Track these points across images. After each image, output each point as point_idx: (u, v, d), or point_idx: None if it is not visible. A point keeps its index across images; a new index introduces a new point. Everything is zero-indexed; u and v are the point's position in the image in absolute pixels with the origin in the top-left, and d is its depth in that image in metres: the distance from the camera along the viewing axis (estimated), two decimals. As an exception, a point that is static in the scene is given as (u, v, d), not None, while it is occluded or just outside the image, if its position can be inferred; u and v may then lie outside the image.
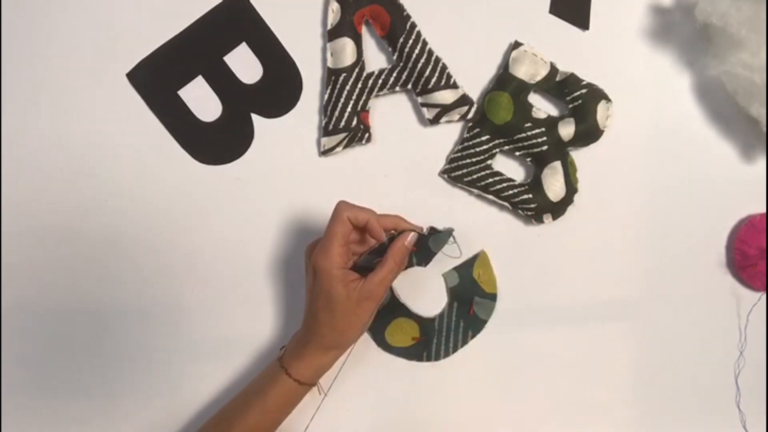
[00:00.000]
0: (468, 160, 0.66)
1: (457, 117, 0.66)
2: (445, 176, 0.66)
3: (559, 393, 0.66)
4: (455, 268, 0.67)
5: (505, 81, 0.65)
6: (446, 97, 0.65)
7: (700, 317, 0.66)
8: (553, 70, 0.65)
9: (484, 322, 0.67)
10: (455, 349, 0.67)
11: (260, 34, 0.67)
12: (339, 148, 0.66)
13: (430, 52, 0.65)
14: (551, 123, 0.65)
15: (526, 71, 0.65)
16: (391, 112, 0.67)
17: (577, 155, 0.66)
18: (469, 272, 0.67)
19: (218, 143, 0.67)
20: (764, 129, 0.63)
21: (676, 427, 0.66)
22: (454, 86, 0.66)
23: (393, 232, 0.60)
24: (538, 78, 0.65)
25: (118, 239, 0.67)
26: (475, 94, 0.66)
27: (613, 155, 0.66)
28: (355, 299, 0.58)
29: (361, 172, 0.67)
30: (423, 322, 0.67)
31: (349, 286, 0.58)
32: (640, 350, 0.67)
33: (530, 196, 0.65)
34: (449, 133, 0.67)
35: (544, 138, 0.64)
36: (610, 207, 0.67)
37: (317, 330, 0.59)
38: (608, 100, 0.65)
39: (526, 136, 0.64)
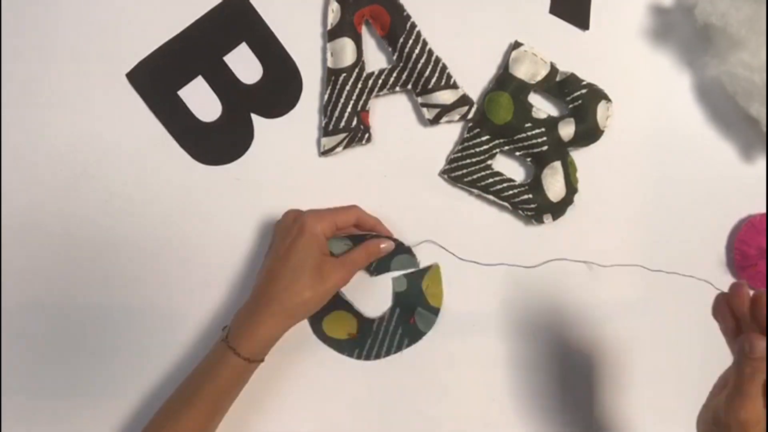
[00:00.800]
0: (468, 161, 0.66)
1: (457, 117, 0.66)
2: (445, 176, 0.67)
3: (558, 393, 0.66)
4: (405, 275, 0.67)
5: (505, 81, 0.65)
6: (446, 97, 0.65)
7: (700, 317, 0.66)
8: (553, 70, 0.66)
9: (423, 333, 0.67)
10: (387, 353, 0.67)
11: (260, 34, 0.67)
12: (339, 148, 0.66)
13: (430, 52, 0.65)
14: (551, 123, 0.65)
15: (526, 71, 0.65)
16: (391, 112, 0.67)
17: (577, 155, 0.66)
18: (418, 282, 0.66)
19: (218, 143, 0.67)
20: (764, 129, 0.63)
21: (676, 427, 0.66)
22: (454, 86, 0.66)
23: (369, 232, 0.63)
24: (538, 78, 0.65)
25: (118, 239, 0.67)
26: (475, 94, 0.66)
27: (613, 155, 0.66)
28: (325, 270, 0.59)
29: (361, 172, 0.67)
30: (362, 320, 0.66)
31: (324, 257, 0.60)
32: (640, 350, 0.67)
33: (530, 196, 0.65)
34: (449, 133, 0.67)
35: (544, 138, 0.64)
36: (610, 207, 0.67)
37: (275, 294, 0.59)
38: (608, 100, 0.65)
39: (526, 136, 0.64)
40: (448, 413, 0.67)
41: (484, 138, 0.65)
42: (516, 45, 0.65)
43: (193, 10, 0.67)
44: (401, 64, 0.66)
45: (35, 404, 0.67)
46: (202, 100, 0.67)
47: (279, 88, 0.67)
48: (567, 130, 0.64)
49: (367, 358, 0.67)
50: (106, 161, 0.67)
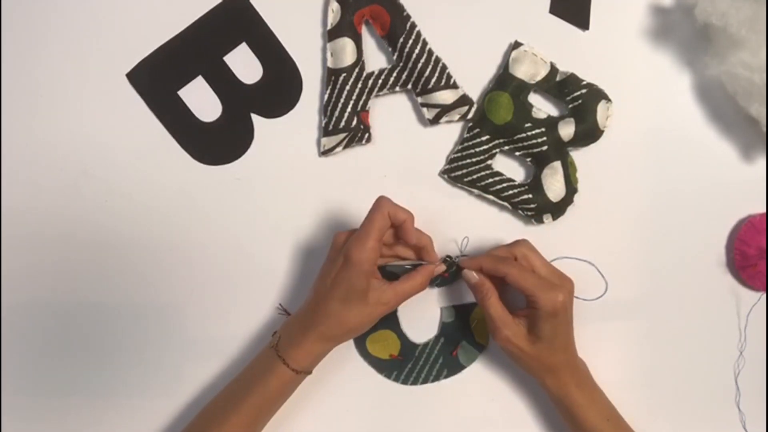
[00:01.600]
0: (468, 160, 0.66)
1: (457, 117, 0.66)
2: (445, 176, 0.66)
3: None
4: (455, 306, 0.67)
5: (505, 81, 0.65)
6: (446, 97, 0.65)
7: (700, 317, 0.66)
8: (553, 70, 0.65)
9: (463, 367, 0.67)
10: (425, 381, 0.67)
11: (260, 34, 0.67)
12: (339, 148, 0.66)
13: (430, 52, 0.65)
14: (551, 123, 0.65)
15: (526, 71, 0.65)
16: (391, 112, 0.67)
17: (577, 155, 0.66)
18: (466, 316, 0.67)
19: (218, 143, 0.67)
20: (764, 129, 0.63)
21: (676, 427, 0.66)
22: (454, 86, 0.66)
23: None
24: (538, 78, 0.65)
25: (118, 239, 0.67)
26: (475, 94, 0.66)
27: (613, 155, 0.66)
28: (373, 300, 0.59)
29: (361, 172, 0.67)
30: (406, 343, 0.67)
31: (372, 285, 0.59)
32: (640, 350, 0.67)
33: (530, 196, 0.65)
34: (449, 133, 0.67)
35: (544, 138, 0.64)
36: (610, 207, 0.67)
37: (323, 320, 0.59)
38: (608, 100, 0.65)
39: (526, 136, 0.64)
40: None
41: (484, 138, 0.65)
42: (516, 45, 0.65)
43: (193, 10, 0.67)
44: (401, 64, 0.66)
45: (35, 404, 0.67)
46: (202, 100, 0.67)
47: (279, 88, 0.67)
48: (567, 130, 0.64)
49: (404, 382, 0.67)
50: (106, 161, 0.67)
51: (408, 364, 0.67)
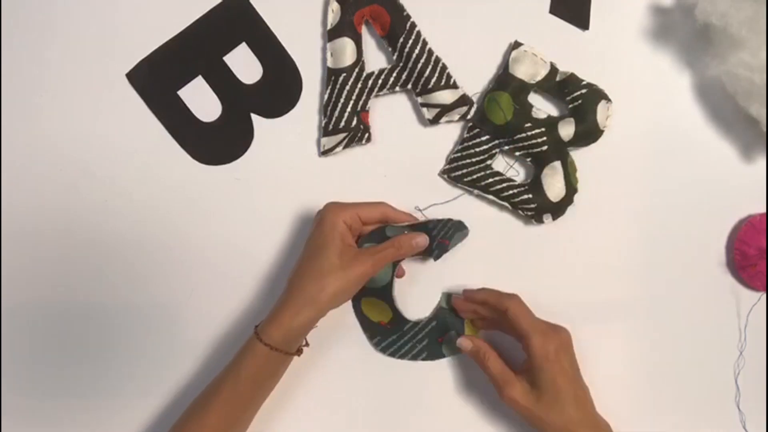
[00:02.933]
0: (468, 160, 0.66)
1: (457, 117, 0.66)
2: (445, 176, 0.66)
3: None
4: (455, 294, 0.66)
5: (505, 81, 0.65)
6: (446, 97, 0.65)
7: (700, 317, 0.66)
8: (553, 70, 0.65)
9: (443, 356, 0.66)
10: (402, 357, 0.66)
11: (260, 34, 0.67)
12: (339, 148, 0.66)
13: (430, 52, 0.65)
14: (551, 123, 0.65)
15: (526, 71, 0.65)
16: (391, 112, 0.67)
17: (577, 155, 0.66)
18: None
19: (218, 143, 0.67)
20: (764, 129, 0.63)
21: (676, 427, 0.66)
22: (454, 86, 0.66)
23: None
24: (538, 78, 0.65)
25: (118, 239, 0.67)
26: (475, 95, 0.66)
27: (613, 155, 0.66)
28: (346, 259, 0.59)
29: (361, 172, 0.67)
30: (397, 317, 0.66)
31: (345, 243, 0.60)
32: (640, 350, 0.67)
33: (530, 196, 0.65)
34: (449, 133, 0.67)
35: (544, 138, 0.64)
36: (610, 207, 0.67)
37: (298, 282, 0.59)
38: (608, 100, 0.65)
39: (526, 136, 0.64)
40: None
41: (484, 138, 0.65)
42: (516, 45, 0.65)
43: (193, 10, 0.67)
44: (401, 64, 0.66)
45: (35, 404, 0.67)
46: (202, 100, 0.67)
47: (279, 88, 0.67)
48: (567, 130, 0.64)
49: (383, 350, 0.66)
50: (106, 161, 0.67)
51: (392, 335, 0.66)
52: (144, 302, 0.67)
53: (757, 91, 0.61)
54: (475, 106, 0.66)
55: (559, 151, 0.65)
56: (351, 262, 0.59)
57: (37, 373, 0.67)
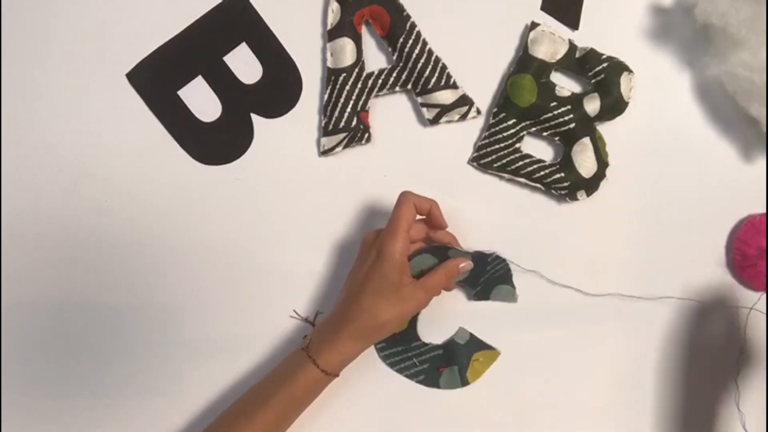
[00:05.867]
0: (496, 146, 0.65)
1: (457, 117, 0.66)
2: (475, 164, 0.66)
3: (555, 393, 0.66)
4: (471, 336, 0.66)
5: (526, 63, 0.65)
6: (446, 97, 0.65)
7: (700, 317, 0.66)
8: (572, 47, 0.65)
9: (438, 386, 0.66)
10: (397, 371, 0.66)
11: (260, 34, 0.67)
12: (339, 148, 0.66)
13: (430, 52, 0.65)
14: (576, 100, 0.64)
15: (546, 51, 0.65)
16: (391, 112, 0.67)
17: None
18: (474, 349, 0.66)
19: (218, 143, 0.67)
20: (764, 129, 0.63)
21: (676, 427, 0.66)
22: (454, 86, 0.66)
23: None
24: (558, 56, 0.65)
25: (118, 239, 0.67)
26: (474, 94, 0.66)
27: (613, 155, 0.66)
28: (405, 295, 0.59)
29: (361, 172, 0.67)
30: (411, 331, 0.66)
31: (404, 277, 0.59)
32: (640, 350, 0.67)
33: (562, 174, 0.65)
34: (449, 133, 0.67)
35: (571, 116, 0.64)
36: (610, 207, 0.67)
37: (356, 316, 0.59)
38: (630, 71, 0.65)
39: (553, 115, 0.64)
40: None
41: (510, 122, 0.65)
42: (533, 25, 0.65)
43: (193, 10, 0.67)
44: (401, 64, 0.66)
45: (35, 404, 0.67)
46: (202, 100, 0.67)
47: (279, 88, 0.67)
48: (593, 105, 0.64)
49: (383, 358, 0.66)
50: (106, 161, 0.67)
51: (398, 347, 0.66)
52: (144, 302, 0.67)
53: (757, 91, 0.61)
54: (474, 106, 0.66)
55: (587, 126, 0.65)
56: (407, 297, 0.59)
57: (37, 373, 0.67)
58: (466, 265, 0.62)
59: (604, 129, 0.66)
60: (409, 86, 0.66)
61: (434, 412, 0.66)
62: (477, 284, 0.65)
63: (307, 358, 0.59)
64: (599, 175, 0.65)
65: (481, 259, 0.64)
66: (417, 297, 0.60)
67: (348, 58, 0.65)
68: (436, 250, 0.63)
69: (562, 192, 0.65)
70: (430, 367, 0.66)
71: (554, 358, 0.66)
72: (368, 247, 0.61)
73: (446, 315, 0.66)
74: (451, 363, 0.66)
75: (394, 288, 0.59)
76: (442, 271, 0.61)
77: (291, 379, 0.59)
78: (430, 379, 0.66)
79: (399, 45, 0.65)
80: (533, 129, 0.66)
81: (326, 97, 0.66)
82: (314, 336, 0.61)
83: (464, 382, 0.66)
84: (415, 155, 0.67)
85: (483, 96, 0.67)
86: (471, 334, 0.66)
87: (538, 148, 0.67)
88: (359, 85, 0.66)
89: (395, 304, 0.59)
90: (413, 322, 0.66)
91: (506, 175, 0.66)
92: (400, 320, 0.61)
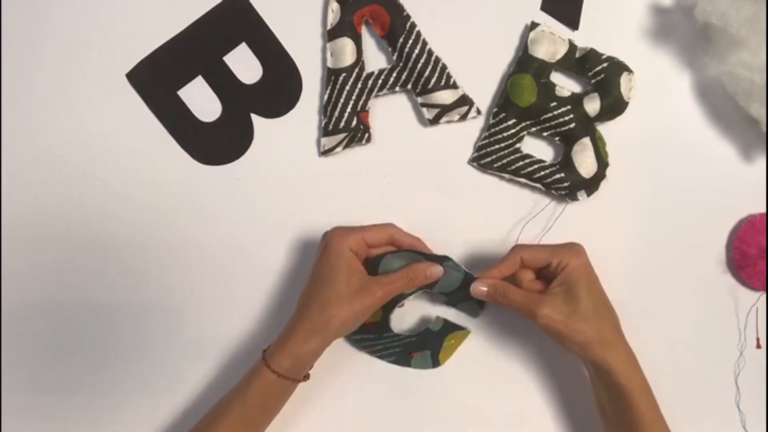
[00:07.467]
0: (496, 146, 0.65)
1: (457, 117, 0.66)
2: (475, 164, 0.66)
3: (555, 393, 0.66)
4: (447, 321, 0.66)
5: (525, 63, 0.65)
6: (446, 97, 0.65)
7: (700, 317, 0.66)
8: (572, 47, 0.65)
9: (410, 366, 0.66)
10: (371, 354, 0.66)
11: (260, 34, 0.67)
12: (339, 148, 0.66)
13: (430, 52, 0.65)
14: (576, 100, 0.65)
15: (546, 51, 0.65)
16: (391, 112, 0.67)
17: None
18: (447, 332, 0.66)
19: (218, 143, 0.67)
20: (764, 129, 0.63)
21: (676, 428, 0.66)
22: (454, 86, 0.66)
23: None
24: (558, 56, 0.65)
25: (118, 239, 0.67)
26: (474, 94, 0.66)
27: (613, 155, 0.66)
28: (354, 287, 0.58)
29: (361, 172, 0.67)
30: (384, 323, 0.65)
31: (352, 270, 0.59)
32: (639, 350, 0.67)
33: (563, 174, 0.65)
34: (449, 133, 0.67)
35: (571, 116, 0.64)
36: (610, 207, 0.67)
37: (306, 310, 0.58)
38: (630, 71, 0.65)
39: (553, 115, 0.64)
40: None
41: (510, 122, 0.65)
42: (533, 25, 0.65)
43: (193, 10, 0.67)
44: (401, 64, 0.66)
45: (35, 404, 0.67)
46: (202, 100, 0.67)
47: (279, 88, 0.67)
48: (592, 105, 0.64)
49: (353, 342, 0.66)
50: (106, 161, 0.67)
51: (370, 335, 0.65)
52: (144, 302, 0.67)
53: (757, 91, 0.61)
54: (475, 106, 0.66)
55: (587, 126, 0.65)
56: (359, 291, 0.58)
57: (37, 373, 0.67)
58: (434, 270, 0.61)
59: (604, 129, 0.66)
60: (409, 86, 0.66)
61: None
62: (448, 294, 0.64)
63: (261, 361, 0.58)
64: (599, 175, 0.65)
65: (455, 269, 0.62)
66: (371, 291, 0.58)
67: (348, 58, 0.65)
68: (412, 255, 0.62)
69: (562, 192, 0.65)
70: (402, 351, 0.66)
71: (550, 359, 0.66)
72: (319, 245, 0.62)
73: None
74: (424, 348, 0.66)
75: (345, 281, 0.58)
76: (404, 271, 0.60)
77: (246, 385, 0.58)
78: (402, 361, 0.66)
79: (399, 45, 0.65)
80: (533, 129, 0.66)
81: (326, 97, 0.66)
82: (276, 339, 0.60)
83: (435, 365, 0.66)
84: (415, 155, 0.67)
85: (483, 96, 0.67)
86: (445, 320, 0.66)
87: (538, 148, 0.67)
88: (359, 85, 0.66)
89: (345, 297, 0.58)
90: (386, 315, 0.65)
91: (506, 175, 0.66)
92: (354, 317, 0.58)
